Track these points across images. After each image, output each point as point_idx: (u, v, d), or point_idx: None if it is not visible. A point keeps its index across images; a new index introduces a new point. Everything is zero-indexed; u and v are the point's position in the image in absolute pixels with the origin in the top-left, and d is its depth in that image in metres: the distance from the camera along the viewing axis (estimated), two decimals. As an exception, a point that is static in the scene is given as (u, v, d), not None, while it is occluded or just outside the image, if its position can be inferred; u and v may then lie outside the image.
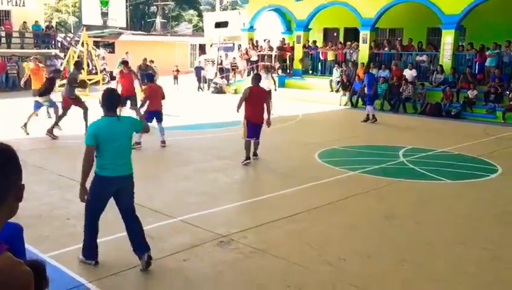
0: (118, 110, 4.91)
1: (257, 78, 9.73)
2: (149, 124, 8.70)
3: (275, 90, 16.41)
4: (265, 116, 9.53)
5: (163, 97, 10.84)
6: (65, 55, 23.22)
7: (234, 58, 26.49)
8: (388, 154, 10.61)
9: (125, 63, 14.50)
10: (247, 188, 8.26)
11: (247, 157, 9.38)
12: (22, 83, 15.90)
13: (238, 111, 9.42)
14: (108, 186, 4.76)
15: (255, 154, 9.77)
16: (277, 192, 7.57)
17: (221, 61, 26.28)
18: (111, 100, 4.80)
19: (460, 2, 17.87)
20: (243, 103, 9.31)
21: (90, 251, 4.87)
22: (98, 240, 4.91)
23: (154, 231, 5.73)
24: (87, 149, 4.66)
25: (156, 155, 10.24)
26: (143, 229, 4.87)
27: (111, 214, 5.09)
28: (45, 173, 8.33)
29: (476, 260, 5.28)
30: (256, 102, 9.27)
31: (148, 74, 12.66)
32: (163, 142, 10.78)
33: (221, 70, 25.50)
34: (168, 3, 54.51)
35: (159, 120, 10.73)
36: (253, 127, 9.43)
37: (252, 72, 24.04)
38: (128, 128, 4.85)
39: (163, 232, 5.74)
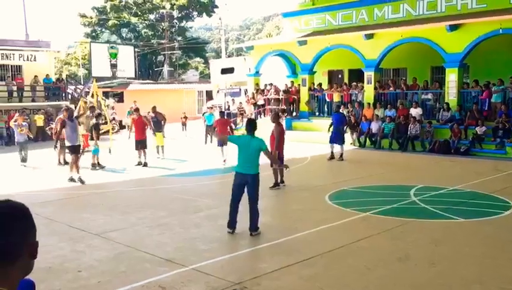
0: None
1: (279, 116, 12.15)
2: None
3: None
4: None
5: (231, 128, 15.84)
6: (75, 107, 23.62)
7: (241, 103, 26.81)
8: (399, 193, 10.53)
9: (137, 110, 16.20)
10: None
11: (277, 184, 11.23)
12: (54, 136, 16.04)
13: (281, 149, 11.31)
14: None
15: (282, 181, 11.33)
16: (289, 236, 7.50)
17: (229, 106, 26.60)
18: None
19: (462, 41, 18.15)
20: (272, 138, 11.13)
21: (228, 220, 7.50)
22: None
23: (166, 281, 5.68)
24: None
25: (166, 202, 10.23)
26: (255, 214, 7.47)
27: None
28: (56, 225, 8.34)
29: (496, 300, 5.15)
30: (282, 136, 11.39)
31: (221, 112, 18.04)
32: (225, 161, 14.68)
33: (229, 115, 25.77)
34: (174, 52, 55.79)
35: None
36: (282, 158, 11.28)
37: (259, 116, 24.33)
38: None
39: (175, 282, 5.68)
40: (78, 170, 12.59)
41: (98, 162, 14.82)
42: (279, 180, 11.32)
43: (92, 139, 15.37)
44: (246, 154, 7.40)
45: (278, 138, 11.06)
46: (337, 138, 15.80)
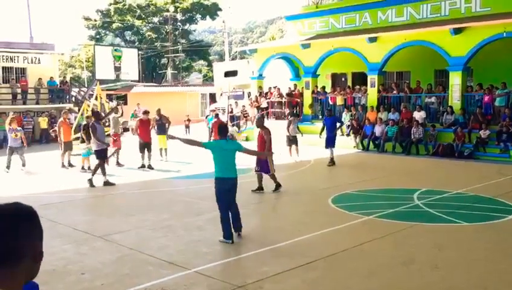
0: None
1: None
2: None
3: None
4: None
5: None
6: (79, 109, 23.70)
7: (244, 106, 26.82)
8: (402, 197, 10.51)
9: (146, 112, 16.14)
10: (261, 236, 8.18)
11: (279, 186, 11.14)
12: (59, 138, 15.93)
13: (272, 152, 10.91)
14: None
15: (261, 188, 11.07)
16: (292, 239, 7.50)
17: (232, 109, 26.61)
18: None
19: (466, 45, 18.12)
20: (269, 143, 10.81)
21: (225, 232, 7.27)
22: None
23: (169, 283, 5.68)
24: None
25: (169, 204, 10.24)
26: (239, 214, 7.57)
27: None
28: (59, 227, 8.35)
29: (499, 305, 5.13)
30: (270, 139, 11.04)
31: (216, 114, 19.11)
32: None
33: (232, 118, 25.81)
34: (178, 54, 55.92)
35: None
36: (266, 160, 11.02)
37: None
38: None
39: (178, 285, 5.68)
40: (94, 173, 12.40)
41: (89, 166, 14.44)
42: (260, 185, 11.10)
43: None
44: (225, 158, 7.38)
45: (269, 140, 10.95)
46: (332, 141, 15.69)
